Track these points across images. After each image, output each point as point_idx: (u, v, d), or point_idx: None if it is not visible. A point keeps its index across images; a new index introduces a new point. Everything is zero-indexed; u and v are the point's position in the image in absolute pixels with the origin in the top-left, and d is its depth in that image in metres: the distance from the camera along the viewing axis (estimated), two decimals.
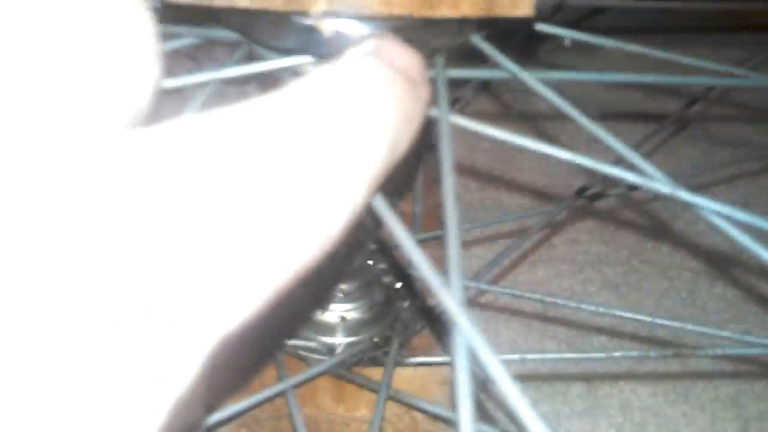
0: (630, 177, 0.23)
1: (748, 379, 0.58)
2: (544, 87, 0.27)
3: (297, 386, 0.34)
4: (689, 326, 0.41)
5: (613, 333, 0.61)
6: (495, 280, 0.64)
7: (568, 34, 0.29)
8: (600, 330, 0.61)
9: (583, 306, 0.42)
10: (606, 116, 0.83)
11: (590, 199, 0.45)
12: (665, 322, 0.42)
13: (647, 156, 0.78)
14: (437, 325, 0.38)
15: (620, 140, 0.25)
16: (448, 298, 0.18)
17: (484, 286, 0.44)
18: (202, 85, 0.24)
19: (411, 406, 0.35)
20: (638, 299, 0.65)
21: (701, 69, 0.32)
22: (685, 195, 0.22)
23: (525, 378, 0.57)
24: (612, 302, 0.64)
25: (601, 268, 0.67)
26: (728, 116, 0.84)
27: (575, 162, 0.24)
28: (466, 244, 0.67)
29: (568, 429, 0.55)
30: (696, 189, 0.64)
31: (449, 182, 0.22)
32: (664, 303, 0.64)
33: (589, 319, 0.61)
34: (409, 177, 0.48)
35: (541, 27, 0.28)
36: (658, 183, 0.22)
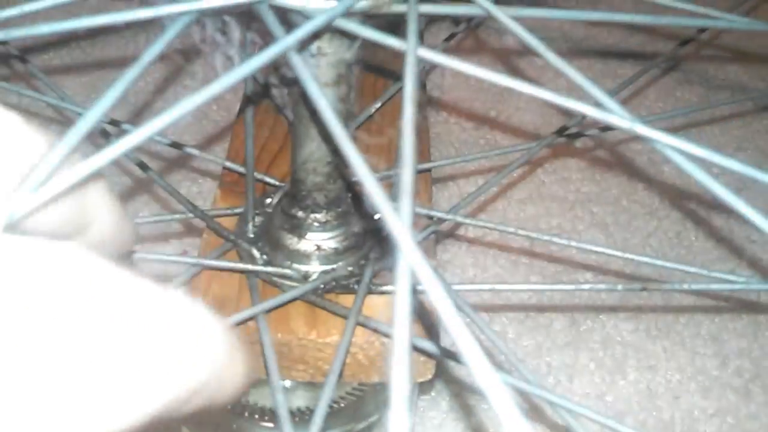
0: (589, 111, 0.23)
1: (730, 316, 0.59)
2: (516, 24, 0.27)
3: (269, 311, 0.35)
4: (670, 264, 0.42)
5: (599, 270, 0.61)
6: (482, 216, 0.64)
7: None
8: (587, 267, 0.62)
9: (569, 243, 0.42)
10: (599, 54, 0.83)
11: (569, 138, 0.46)
12: (648, 260, 0.43)
13: (637, 94, 0.77)
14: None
15: (591, 78, 0.25)
16: (395, 221, 0.18)
17: (460, 219, 0.44)
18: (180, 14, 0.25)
19: (380, 332, 0.35)
20: (626, 238, 0.65)
21: (692, 12, 0.32)
22: (641, 129, 0.22)
23: (505, 308, 0.58)
24: (601, 240, 0.64)
25: (591, 207, 0.67)
26: (723, 59, 0.83)
27: (537, 96, 0.24)
28: (447, 178, 0.67)
29: (549, 362, 0.56)
30: (690, 129, 0.64)
31: (410, 112, 0.22)
32: (651, 242, 0.65)
33: (576, 256, 0.62)
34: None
35: None
36: (616, 117, 0.23)
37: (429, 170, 0.49)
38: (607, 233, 0.65)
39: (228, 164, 0.46)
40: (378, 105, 0.51)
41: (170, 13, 0.25)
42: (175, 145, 0.47)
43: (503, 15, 0.27)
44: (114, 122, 0.48)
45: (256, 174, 0.43)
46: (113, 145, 0.19)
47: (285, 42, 0.23)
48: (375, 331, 0.36)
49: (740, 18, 0.32)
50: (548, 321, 0.58)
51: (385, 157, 0.48)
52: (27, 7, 0.27)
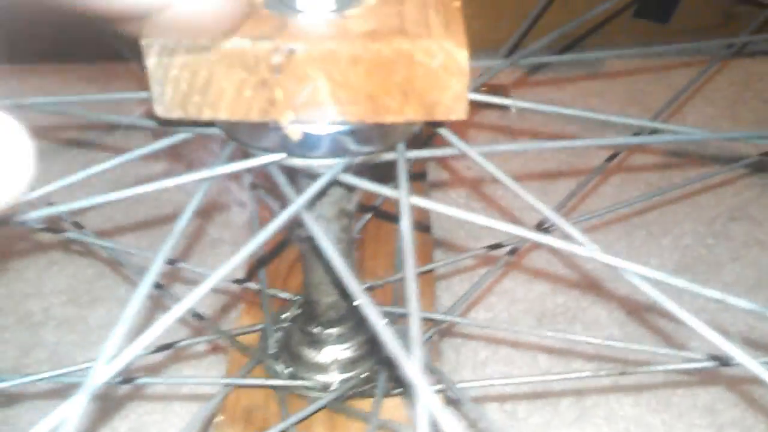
0: (553, 242, 0.27)
1: (724, 387, 0.62)
2: (485, 161, 0.31)
3: (299, 422, 0.39)
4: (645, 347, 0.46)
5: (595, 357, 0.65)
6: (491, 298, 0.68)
7: (504, 102, 0.34)
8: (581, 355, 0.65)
9: (554, 335, 0.46)
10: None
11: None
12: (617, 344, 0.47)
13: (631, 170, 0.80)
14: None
15: (546, 204, 0.30)
16: (411, 369, 0.22)
17: (458, 320, 0.48)
18: (200, 180, 0.29)
19: None
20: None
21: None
22: (603, 257, 0.27)
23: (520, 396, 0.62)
24: (603, 316, 0.68)
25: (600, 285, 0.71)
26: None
27: (507, 231, 0.28)
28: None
29: None
30: (684, 200, 0.66)
31: (410, 263, 0.26)
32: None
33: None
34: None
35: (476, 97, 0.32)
36: (578, 247, 0.27)
37: (431, 270, 0.53)
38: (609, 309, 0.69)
39: (246, 285, 0.51)
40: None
41: (195, 179, 0.30)
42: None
43: (474, 153, 0.31)
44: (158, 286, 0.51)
45: (271, 291, 0.48)
46: (171, 312, 0.23)
47: (298, 203, 0.28)
48: None
49: (693, 129, 0.36)
50: (556, 399, 0.62)
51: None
52: (67, 181, 0.32)
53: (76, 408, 0.20)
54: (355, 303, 0.42)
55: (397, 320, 0.47)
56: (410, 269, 0.25)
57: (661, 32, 1.02)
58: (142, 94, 0.33)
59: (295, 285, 0.51)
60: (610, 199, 0.80)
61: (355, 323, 0.44)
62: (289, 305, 0.49)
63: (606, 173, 0.81)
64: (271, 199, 0.44)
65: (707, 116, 0.94)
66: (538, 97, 0.96)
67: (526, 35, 0.54)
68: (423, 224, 0.61)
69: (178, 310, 0.24)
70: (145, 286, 0.25)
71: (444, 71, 0.27)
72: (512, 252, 0.54)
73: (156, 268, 0.25)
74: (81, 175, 0.32)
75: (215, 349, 0.61)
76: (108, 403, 0.58)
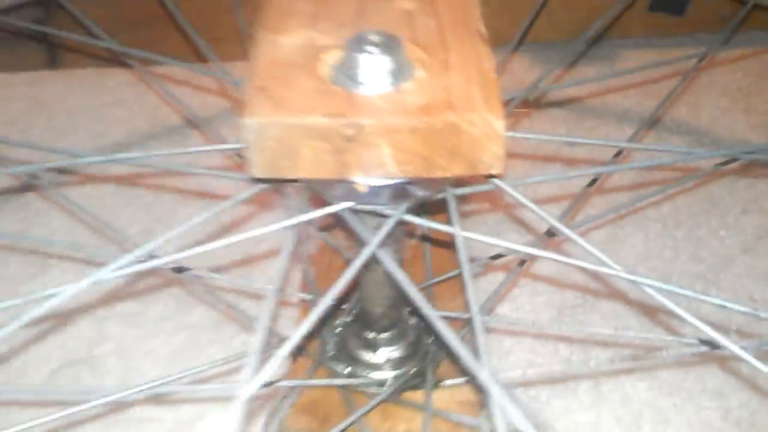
0: (558, 258, 0.35)
1: (732, 372, 0.68)
2: (519, 195, 0.38)
3: (363, 415, 0.47)
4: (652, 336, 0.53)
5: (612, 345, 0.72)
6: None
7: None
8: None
9: (573, 327, 0.54)
10: None
11: None
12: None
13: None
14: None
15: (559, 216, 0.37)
16: (483, 374, 0.29)
17: (501, 322, 0.56)
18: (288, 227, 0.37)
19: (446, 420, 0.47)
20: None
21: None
22: (613, 272, 0.34)
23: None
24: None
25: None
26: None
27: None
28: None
29: (577, 420, 0.67)
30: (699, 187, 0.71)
31: (471, 290, 0.33)
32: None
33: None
34: None
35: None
36: (610, 269, 0.34)
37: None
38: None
39: (300, 295, 0.58)
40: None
41: (287, 226, 0.37)
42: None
43: (507, 187, 0.39)
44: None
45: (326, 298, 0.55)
46: (300, 329, 0.31)
47: (373, 244, 0.35)
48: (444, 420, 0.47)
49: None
50: (575, 384, 0.69)
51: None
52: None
53: (234, 414, 0.28)
54: (407, 311, 0.50)
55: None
56: (471, 292, 0.32)
57: (677, 24, 1.05)
58: (226, 147, 0.41)
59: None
60: (626, 194, 0.86)
61: (402, 327, 0.52)
62: (340, 313, 0.57)
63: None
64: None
65: (721, 108, 0.99)
66: (556, 94, 1.01)
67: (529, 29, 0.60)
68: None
69: (304, 327, 0.31)
70: (266, 312, 0.32)
71: (485, 137, 0.34)
72: (522, 263, 0.61)
73: (271, 302, 0.33)
74: (189, 225, 0.40)
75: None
76: None
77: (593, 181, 0.66)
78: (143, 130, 1.00)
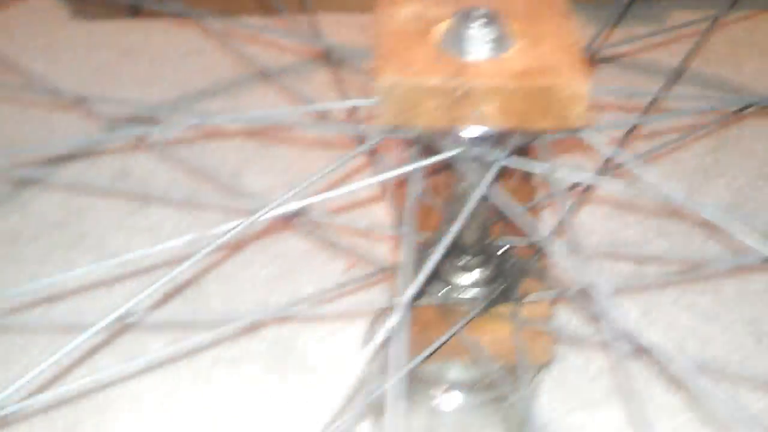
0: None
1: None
2: (600, 141, 0.47)
3: (463, 326, 0.56)
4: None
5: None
6: None
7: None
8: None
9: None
10: None
11: None
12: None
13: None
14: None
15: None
16: (588, 280, 0.38)
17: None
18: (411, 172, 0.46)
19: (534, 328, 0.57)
20: None
21: None
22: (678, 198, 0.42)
23: None
24: None
25: None
26: None
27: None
28: None
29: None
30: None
31: (564, 215, 0.42)
32: None
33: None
34: None
35: None
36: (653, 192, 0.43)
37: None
38: None
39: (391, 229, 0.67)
40: None
41: (406, 172, 0.46)
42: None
43: (589, 135, 0.47)
44: None
45: (417, 232, 0.64)
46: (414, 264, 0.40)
47: (485, 183, 0.44)
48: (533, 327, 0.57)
49: None
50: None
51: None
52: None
53: (398, 319, 0.37)
54: (490, 240, 0.59)
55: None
56: (564, 216, 0.41)
57: None
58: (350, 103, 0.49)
59: (434, 224, 0.68)
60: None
61: (488, 252, 0.60)
62: (430, 243, 0.66)
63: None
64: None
65: (764, 71, 1.08)
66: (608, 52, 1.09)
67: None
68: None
69: (438, 254, 0.40)
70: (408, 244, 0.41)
71: (571, 98, 0.43)
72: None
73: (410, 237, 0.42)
74: (323, 172, 0.48)
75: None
76: None
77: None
78: (225, 78, 1.08)
